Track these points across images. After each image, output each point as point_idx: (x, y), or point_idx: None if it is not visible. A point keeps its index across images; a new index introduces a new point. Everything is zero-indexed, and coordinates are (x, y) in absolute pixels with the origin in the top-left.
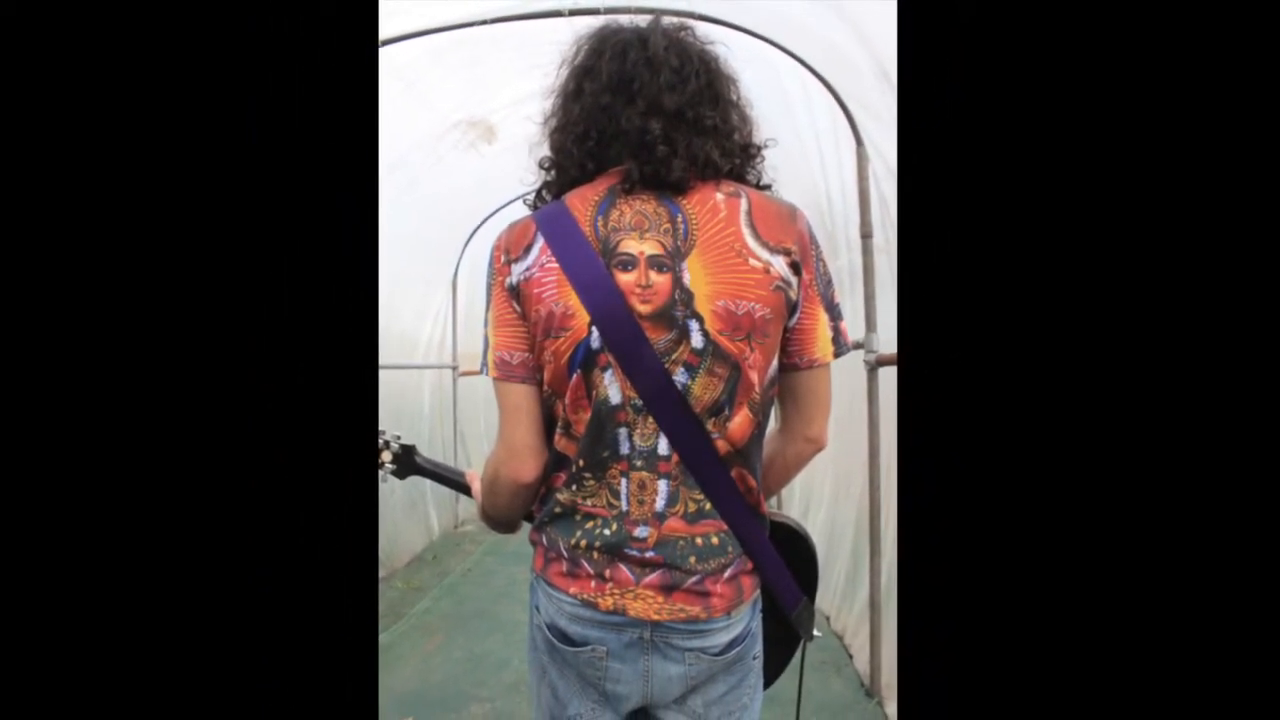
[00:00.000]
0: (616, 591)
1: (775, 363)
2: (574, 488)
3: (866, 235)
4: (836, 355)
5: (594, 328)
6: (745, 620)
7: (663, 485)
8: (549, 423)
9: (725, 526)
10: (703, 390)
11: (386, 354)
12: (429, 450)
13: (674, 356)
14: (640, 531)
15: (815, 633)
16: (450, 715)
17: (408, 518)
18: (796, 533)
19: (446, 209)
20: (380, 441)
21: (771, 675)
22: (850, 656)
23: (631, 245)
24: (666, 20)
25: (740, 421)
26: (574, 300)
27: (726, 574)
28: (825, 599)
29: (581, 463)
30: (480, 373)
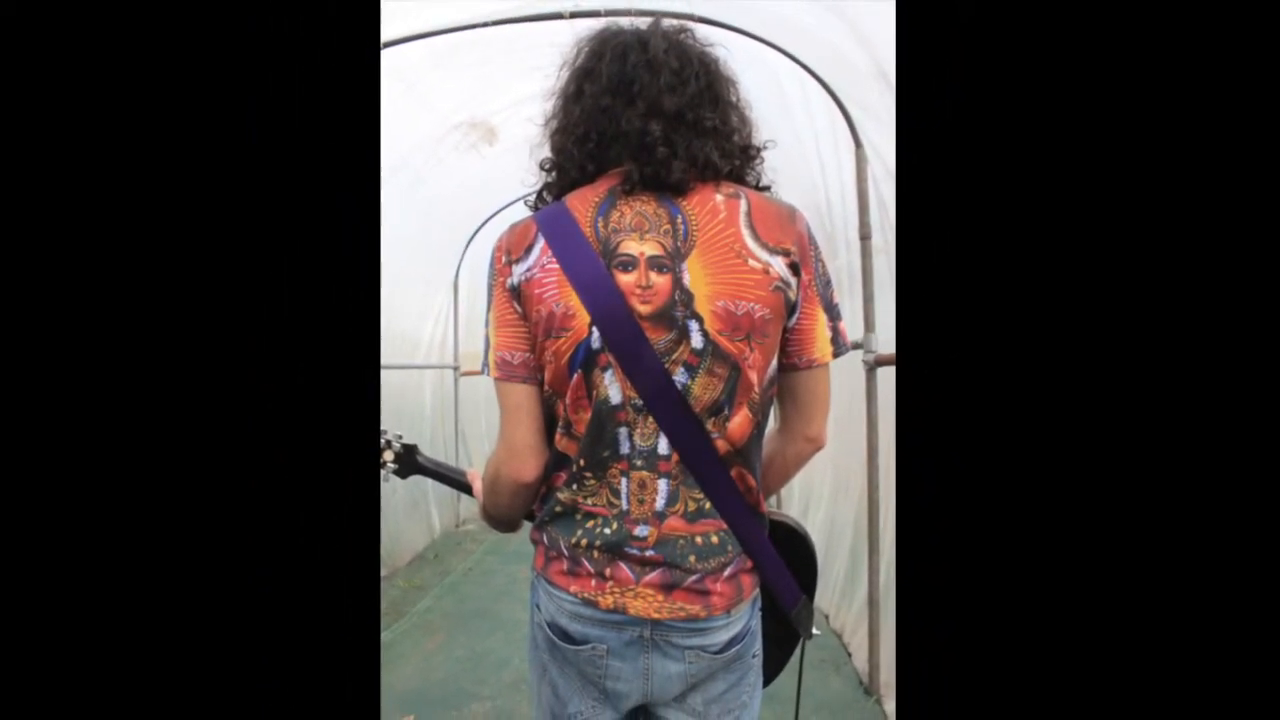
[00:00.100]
0: (617, 590)
1: (774, 363)
2: (575, 487)
3: (865, 236)
4: (835, 355)
5: (594, 328)
6: (745, 618)
7: (663, 484)
8: (550, 422)
9: (725, 525)
10: (702, 390)
11: (388, 354)
12: (430, 450)
13: (674, 357)
14: (640, 530)
15: (814, 631)
16: (451, 713)
17: (409, 517)
18: (796, 531)
19: (448, 210)
20: (382, 441)
21: (771, 673)
22: (849, 654)
23: (632, 246)
24: (666, 23)
25: (740, 421)
26: (575, 300)
27: (726, 573)
28: (824, 597)
29: (582, 462)
30: (481, 373)
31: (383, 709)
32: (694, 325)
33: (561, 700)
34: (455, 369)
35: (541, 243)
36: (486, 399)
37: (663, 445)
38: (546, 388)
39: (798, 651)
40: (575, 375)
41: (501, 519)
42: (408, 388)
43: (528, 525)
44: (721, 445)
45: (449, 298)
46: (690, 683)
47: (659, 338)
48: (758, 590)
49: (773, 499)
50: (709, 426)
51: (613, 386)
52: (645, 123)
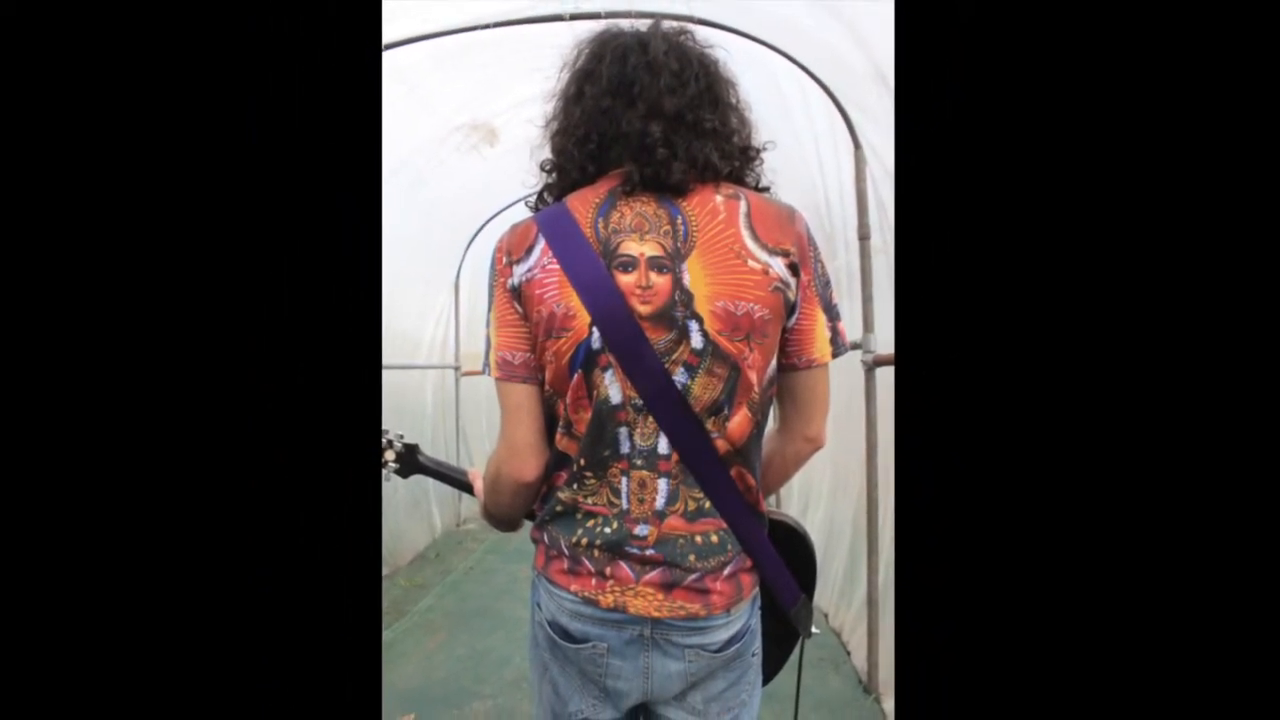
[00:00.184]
0: (617, 589)
1: (774, 363)
2: (575, 486)
3: (864, 237)
4: (834, 355)
5: (595, 328)
6: (744, 617)
7: (663, 484)
8: (550, 422)
9: (724, 525)
10: (702, 390)
11: (390, 354)
12: (431, 449)
13: (674, 357)
14: (640, 530)
15: (813, 630)
16: (452, 712)
17: (411, 516)
18: (795, 531)
19: (449, 211)
20: (384, 441)
21: (770, 672)
22: (848, 653)
23: (632, 247)
24: (666, 24)
25: (739, 421)
26: (575, 301)
27: (726, 571)
28: (823, 596)
29: (582, 461)
30: (482, 373)
31: (384, 707)
32: (694, 325)
33: (562, 698)
34: (456, 369)
35: (542, 243)
36: (487, 399)
37: (663, 445)
38: (547, 388)
39: (797, 650)
40: (576, 375)
41: (502, 518)
42: (409, 388)
43: (528, 524)
44: (721, 445)
45: (450, 298)
46: (690, 681)
47: (659, 338)
48: (757, 589)
49: (772, 498)
50: (709, 426)
51: (613, 386)
52: (645, 124)
